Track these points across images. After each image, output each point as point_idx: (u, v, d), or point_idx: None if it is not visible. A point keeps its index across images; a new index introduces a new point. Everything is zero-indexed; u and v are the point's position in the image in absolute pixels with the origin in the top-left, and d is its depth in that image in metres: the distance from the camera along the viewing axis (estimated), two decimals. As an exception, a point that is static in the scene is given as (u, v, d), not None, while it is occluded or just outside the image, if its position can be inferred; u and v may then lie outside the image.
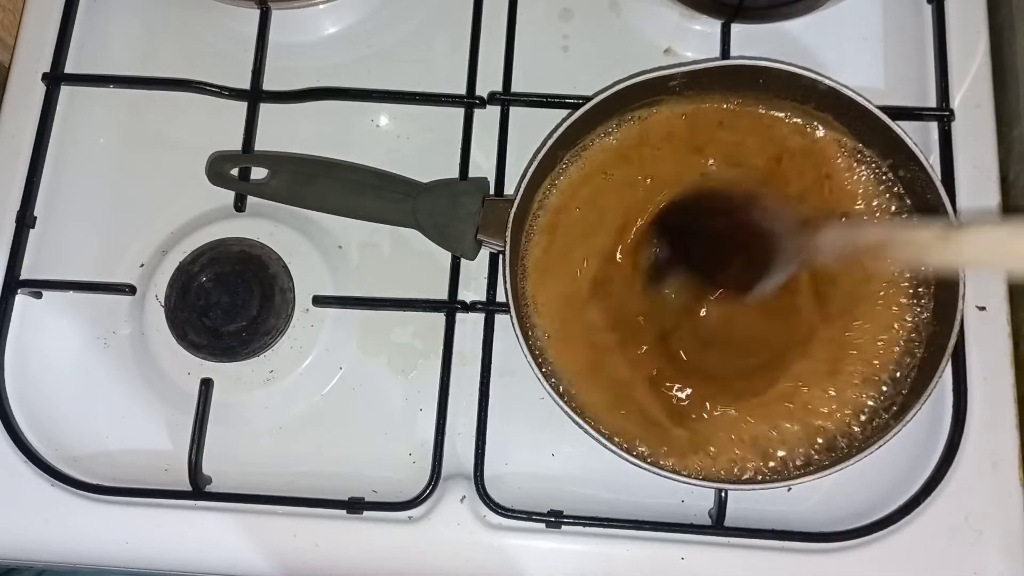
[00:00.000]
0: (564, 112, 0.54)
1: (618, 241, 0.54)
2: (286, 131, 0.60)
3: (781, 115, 0.55)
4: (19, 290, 0.57)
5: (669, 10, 0.61)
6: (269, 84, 0.60)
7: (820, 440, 0.50)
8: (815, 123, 0.54)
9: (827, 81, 0.52)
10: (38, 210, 0.59)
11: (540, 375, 0.49)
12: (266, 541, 0.53)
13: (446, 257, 0.56)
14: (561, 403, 0.49)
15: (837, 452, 0.50)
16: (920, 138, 0.56)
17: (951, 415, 0.53)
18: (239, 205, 0.58)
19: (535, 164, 0.52)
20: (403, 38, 0.62)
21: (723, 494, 0.52)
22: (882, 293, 0.52)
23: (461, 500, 0.53)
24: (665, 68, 0.53)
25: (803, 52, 0.59)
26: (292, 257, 0.57)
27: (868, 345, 0.51)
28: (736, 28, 0.60)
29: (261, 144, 0.59)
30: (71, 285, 0.57)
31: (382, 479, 0.54)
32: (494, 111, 0.59)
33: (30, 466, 0.54)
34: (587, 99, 0.53)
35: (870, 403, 0.51)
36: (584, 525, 0.52)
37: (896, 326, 0.52)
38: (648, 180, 0.54)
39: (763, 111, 0.55)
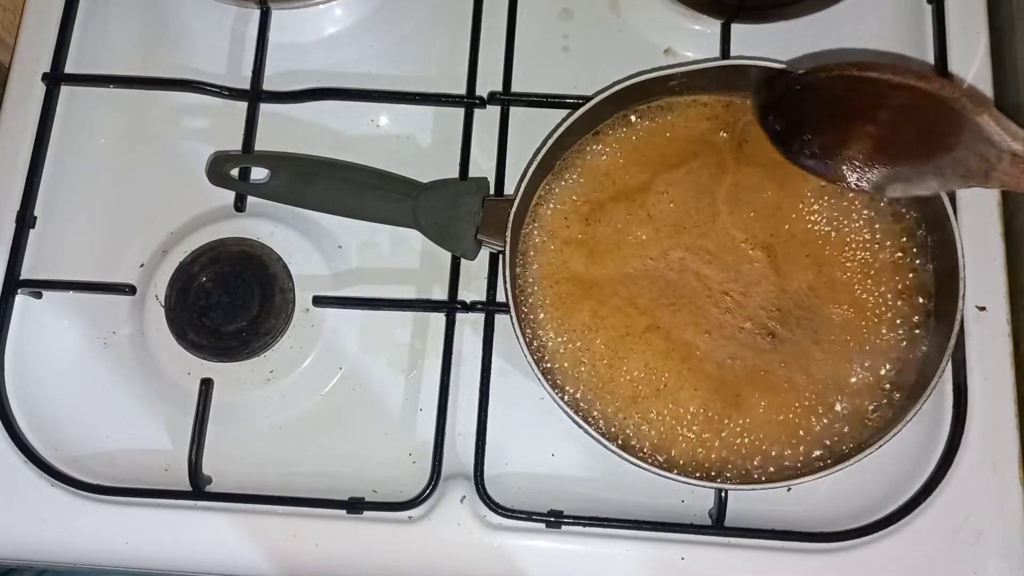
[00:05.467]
0: (564, 112, 0.54)
1: (619, 240, 0.54)
2: (286, 131, 0.60)
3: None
4: (19, 290, 0.57)
5: (669, 10, 0.61)
6: (269, 84, 0.60)
7: (820, 439, 0.50)
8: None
9: (827, 81, 0.52)
10: (38, 210, 0.59)
11: (540, 375, 0.49)
12: (266, 541, 0.53)
13: (446, 257, 0.56)
14: (561, 403, 0.49)
15: (837, 452, 0.50)
16: (920, 138, 0.56)
17: (951, 415, 0.53)
18: (239, 205, 0.58)
19: (535, 164, 0.52)
20: (403, 38, 0.62)
21: (723, 494, 0.52)
22: (882, 293, 0.52)
23: (461, 500, 0.53)
24: (665, 68, 0.53)
25: (803, 52, 0.59)
26: (292, 257, 0.57)
27: (868, 344, 0.51)
28: (736, 28, 0.60)
29: (261, 144, 0.59)
30: (71, 285, 0.57)
31: (382, 479, 0.54)
32: (494, 111, 0.59)
33: (30, 466, 0.54)
34: (587, 99, 0.53)
35: (870, 403, 0.51)
36: (584, 525, 0.52)
37: (896, 326, 0.52)
38: (648, 179, 0.54)
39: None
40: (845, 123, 0.48)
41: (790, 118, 0.51)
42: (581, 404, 0.51)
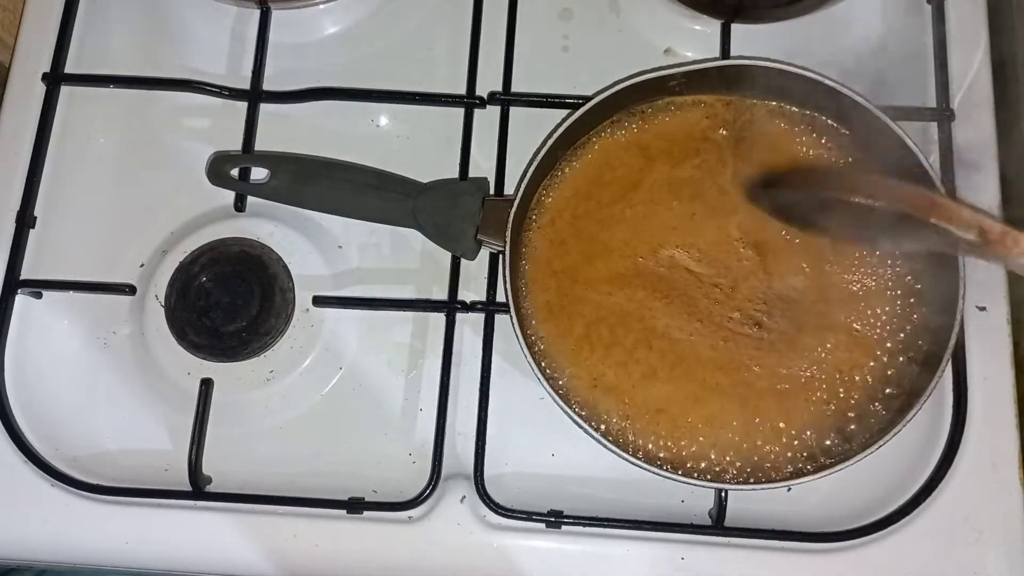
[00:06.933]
0: (564, 112, 0.54)
1: (617, 238, 0.54)
2: (286, 131, 0.60)
3: (781, 114, 0.55)
4: (19, 290, 0.57)
5: (669, 10, 0.61)
6: (269, 84, 0.60)
7: (820, 440, 0.50)
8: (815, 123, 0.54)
9: (827, 81, 0.52)
10: (38, 210, 0.59)
11: (540, 375, 0.49)
12: (266, 541, 0.53)
13: (446, 257, 0.56)
14: (561, 403, 0.49)
15: (837, 452, 0.50)
16: (920, 138, 0.56)
17: (951, 415, 0.53)
18: (239, 205, 0.58)
19: (535, 164, 0.52)
20: (403, 38, 0.62)
21: (723, 494, 0.52)
22: (881, 293, 0.52)
23: (461, 500, 0.53)
24: (665, 68, 0.53)
25: (803, 52, 0.59)
26: (292, 257, 0.57)
27: (868, 345, 0.51)
28: (736, 28, 0.60)
29: (261, 144, 0.59)
30: (71, 285, 0.57)
31: (382, 479, 0.54)
32: (494, 111, 0.59)
33: (30, 466, 0.54)
34: (587, 99, 0.53)
35: (870, 403, 0.51)
36: (584, 525, 0.52)
37: (894, 325, 0.52)
38: (647, 178, 0.54)
39: (763, 110, 0.55)
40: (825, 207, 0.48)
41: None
42: (581, 403, 0.51)
